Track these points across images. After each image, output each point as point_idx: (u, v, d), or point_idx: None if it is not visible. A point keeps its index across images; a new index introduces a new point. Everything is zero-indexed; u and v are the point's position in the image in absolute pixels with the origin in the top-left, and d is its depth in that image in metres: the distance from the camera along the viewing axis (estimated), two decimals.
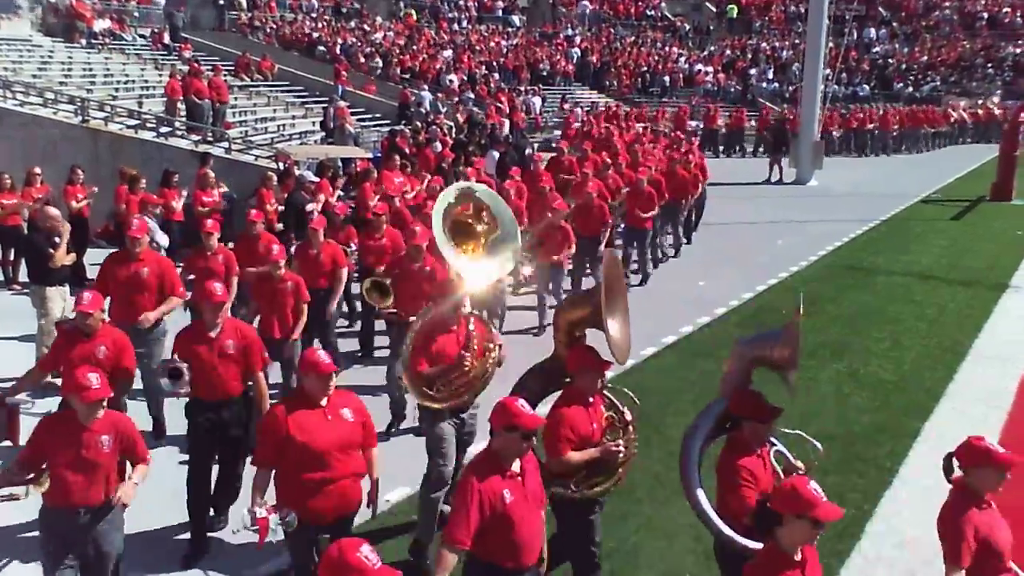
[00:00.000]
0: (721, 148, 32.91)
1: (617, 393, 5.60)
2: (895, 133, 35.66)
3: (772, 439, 5.02)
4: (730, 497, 4.69)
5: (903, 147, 35.97)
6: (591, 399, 5.28)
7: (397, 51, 33.43)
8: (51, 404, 6.70)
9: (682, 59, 41.14)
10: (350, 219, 12.40)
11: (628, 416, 5.44)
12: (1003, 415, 8.88)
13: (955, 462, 4.50)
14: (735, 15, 46.48)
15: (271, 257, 8.36)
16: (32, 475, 4.98)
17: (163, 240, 11.55)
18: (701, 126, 33.06)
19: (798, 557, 3.87)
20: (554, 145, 18.31)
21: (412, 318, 6.73)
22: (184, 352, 6.29)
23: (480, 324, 6.37)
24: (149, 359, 7.77)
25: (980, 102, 40.48)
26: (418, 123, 24.37)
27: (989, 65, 43.33)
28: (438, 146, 19.89)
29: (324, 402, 5.00)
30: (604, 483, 5.23)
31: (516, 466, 4.31)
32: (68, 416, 4.91)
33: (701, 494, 4.84)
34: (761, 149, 31.15)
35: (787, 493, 3.84)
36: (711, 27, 45.56)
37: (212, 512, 6.60)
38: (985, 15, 46.48)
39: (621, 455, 5.23)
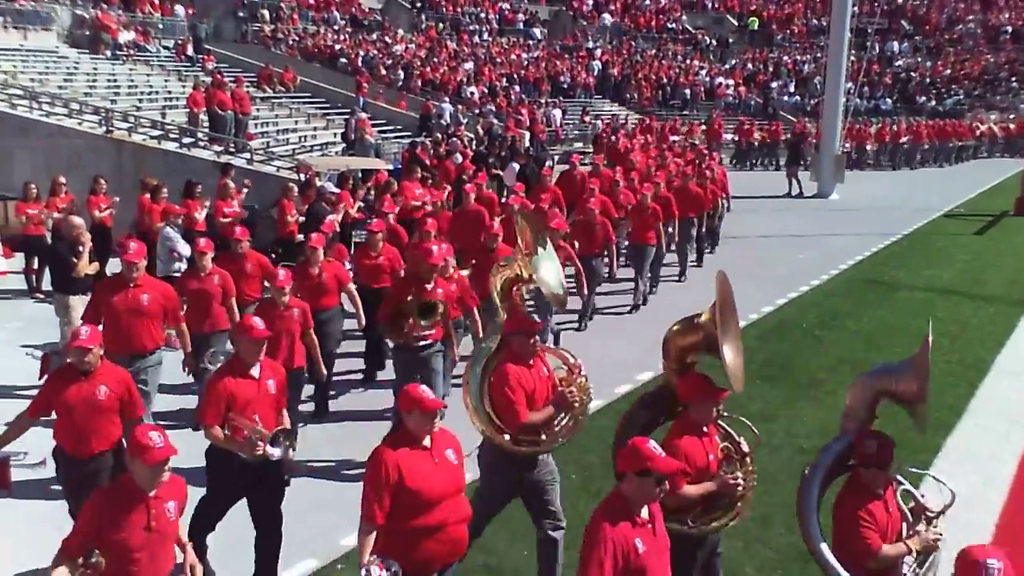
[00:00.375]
0: (756, 161, 33.03)
1: (734, 423, 5.38)
2: (926, 146, 35.71)
3: (898, 477, 4.87)
4: (850, 539, 4.60)
5: (931, 160, 35.97)
6: (705, 429, 5.08)
7: (418, 63, 33.61)
8: (45, 448, 6.18)
9: (703, 72, 41.11)
10: (338, 235, 12.50)
11: (745, 447, 5.21)
12: None
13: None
14: (756, 27, 46.43)
15: (276, 283, 7.87)
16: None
17: (185, 250, 11.60)
18: (735, 139, 33.16)
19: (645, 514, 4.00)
20: (574, 159, 18.19)
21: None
22: (228, 398, 5.65)
23: (551, 350, 6.07)
24: (147, 387, 7.39)
25: (1012, 116, 40.32)
26: (439, 135, 24.46)
27: (1013, 79, 43.06)
28: (458, 158, 19.94)
29: (428, 442, 4.55)
30: (722, 518, 5.03)
31: (645, 512, 4.07)
32: (126, 486, 4.28)
33: (825, 548, 4.71)
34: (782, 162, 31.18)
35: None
36: (732, 40, 45.47)
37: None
38: (1009, 28, 46.22)
39: (740, 488, 5.00)
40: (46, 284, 12.36)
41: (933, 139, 36.11)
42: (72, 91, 21.57)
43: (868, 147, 33.91)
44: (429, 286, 7.70)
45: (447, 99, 29.43)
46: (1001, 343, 11.83)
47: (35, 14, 25.14)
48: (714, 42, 45.26)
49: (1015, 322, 12.87)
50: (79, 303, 9.68)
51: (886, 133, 35.06)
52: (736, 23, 46.47)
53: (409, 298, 7.54)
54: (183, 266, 11.86)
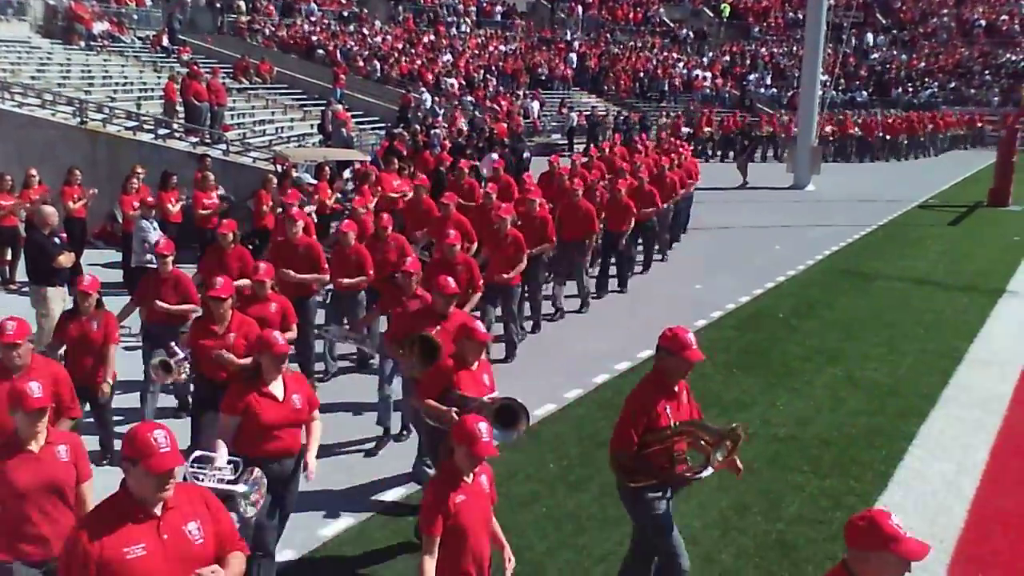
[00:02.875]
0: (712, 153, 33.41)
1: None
2: (921, 138, 37.05)
3: None
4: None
5: (915, 151, 36.90)
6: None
7: (396, 55, 33.48)
8: None
9: (680, 64, 41.22)
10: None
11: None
12: (999, 420, 8.88)
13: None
14: (728, 14, 46.61)
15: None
16: None
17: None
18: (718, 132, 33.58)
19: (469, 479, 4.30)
20: (553, 159, 17.96)
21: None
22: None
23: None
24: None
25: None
26: (416, 126, 24.41)
27: (987, 72, 43.46)
28: (437, 149, 19.91)
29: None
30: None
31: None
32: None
33: None
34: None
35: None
36: (709, 32, 45.59)
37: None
38: (983, 22, 46.67)
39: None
40: (19, 275, 12.23)
41: (923, 130, 36.88)
42: (45, 82, 21.34)
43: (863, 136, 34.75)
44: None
45: (424, 90, 29.31)
46: (975, 332, 11.94)
47: (7, 3, 24.83)
48: (691, 34, 45.38)
49: (988, 312, 13.00)
50: (56, 294, 9.63)
51: (874, 125, 35.66)
52: (713, 16, 46.58)
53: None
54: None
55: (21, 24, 24.80)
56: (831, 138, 33.93)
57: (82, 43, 25.13)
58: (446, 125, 25.56)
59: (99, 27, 26.15)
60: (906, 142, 36.27)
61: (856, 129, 35.11)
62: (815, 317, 12.59)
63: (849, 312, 12.91)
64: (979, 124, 39.92)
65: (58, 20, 25.64)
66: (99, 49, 25.28)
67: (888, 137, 35.61)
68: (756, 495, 7.16)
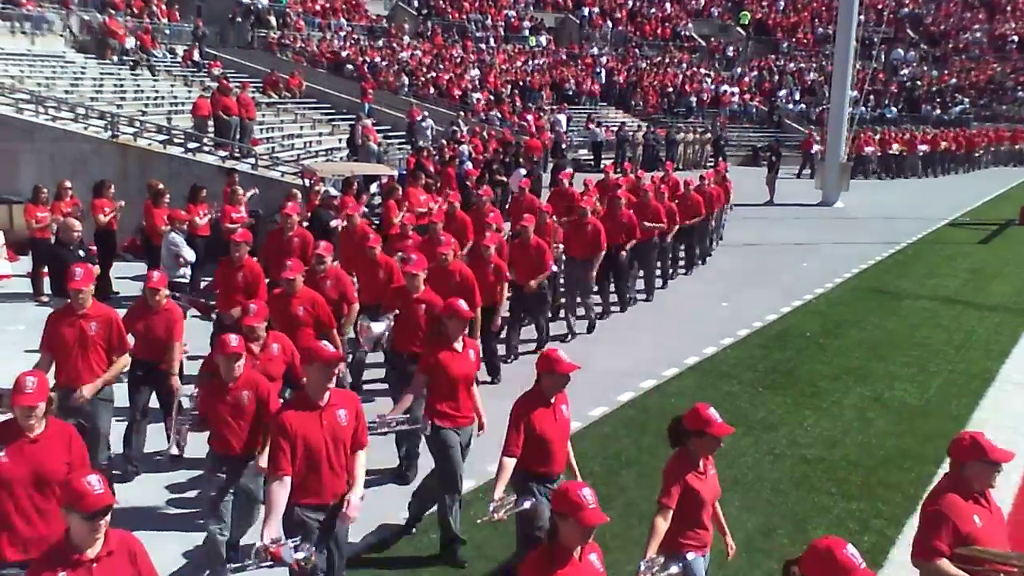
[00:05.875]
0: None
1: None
2: (977, 153, 37.84)
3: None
4: None
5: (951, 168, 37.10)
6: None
7: (424, 70, 33.65)
8: None
9: (708, 79, 41.13)
10: None
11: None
12: None
13: None
14: (747, 22, 46.50)
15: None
16: None
17: (190, 256, 11.62)
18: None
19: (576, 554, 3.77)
20: (563, 176, 17.71)
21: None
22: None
23: None
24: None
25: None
26: (444, 141, 24.50)
27: (1019, 88, 43.00)
28: (468, 164, 19.97)
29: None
30: None
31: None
32: None
33: None
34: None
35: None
36: (739, 48, 45.40)
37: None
38: (1016, 38, 46.14)
39: None
40: (48, 288, 12.35)
41: (960, 147, 37.17)
42: (78, 96, 21.63)
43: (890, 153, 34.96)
44: (458, 346, 6.56)
45: (427, 114, 28.77)
46: (1006, 353, 11.78)
47: (42, 19, 25.22)
48: (720, 50, 45.25)
49: (1020, 332, 12.81)
50: None
51: (924, 140, 35.83)
52: (743, 32, 46.45)
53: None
54: (188, 271, 11.89)
55: (55, 39, 25.17)
56: (874, 155, 34.12)
57: (115, 58, 25.46)
58: (468, 139, 25.58)
59: (132, 42, 26.48)
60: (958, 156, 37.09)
61: (896, 146, 35.05)
62: (843, 336, 12.48)
63: (878, 331, 12.78)
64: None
65: (92, 35, 26.00)
66: (131, 64, 25.60)
67: (934, 152, 35.95)
68: (782, 517, 7.08)
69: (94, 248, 12.38)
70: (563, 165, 22.48)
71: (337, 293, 8.75)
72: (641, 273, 14.27)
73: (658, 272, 14.93)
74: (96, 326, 6.83)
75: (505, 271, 10.15)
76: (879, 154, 34.79)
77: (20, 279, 14.05)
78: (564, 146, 29.25)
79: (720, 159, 29.46)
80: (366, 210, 15.26)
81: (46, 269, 13.38)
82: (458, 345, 6.45)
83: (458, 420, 6.43)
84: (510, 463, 5.38)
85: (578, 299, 12.31)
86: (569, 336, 12.10)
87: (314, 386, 5.13)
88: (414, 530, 6.87)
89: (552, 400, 5.53)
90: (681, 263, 16.40)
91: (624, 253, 12.94)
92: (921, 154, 35.70)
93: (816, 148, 31.94)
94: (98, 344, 6.85)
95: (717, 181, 17.95)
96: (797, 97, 40.49)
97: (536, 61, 39.69)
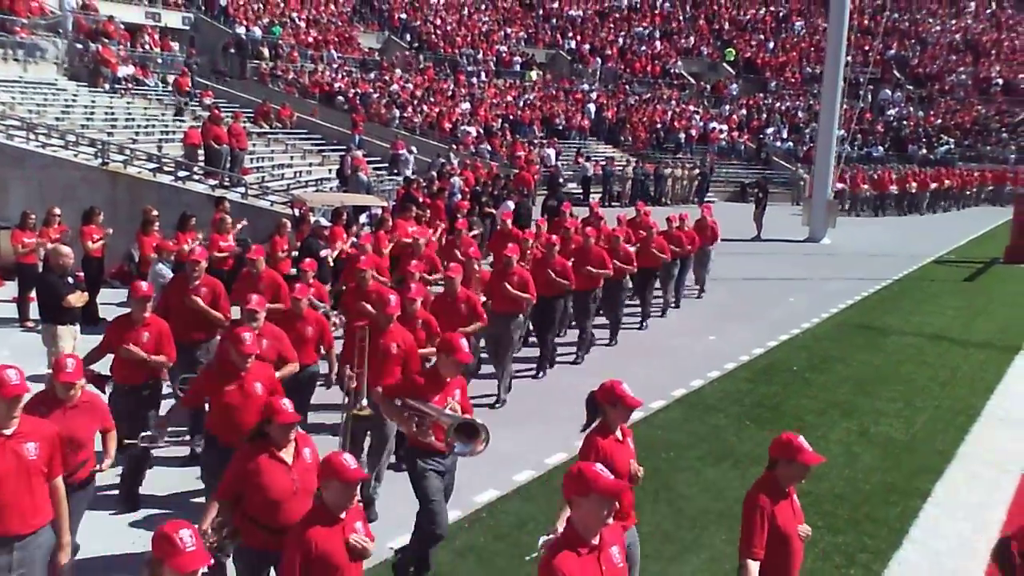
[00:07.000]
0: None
1: None
2: (969, 192, 38.97)
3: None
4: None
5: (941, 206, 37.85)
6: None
7: (415, 103, 33.89)
8: None
9: (697, 116, 41.53)
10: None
11: None
12: (1015, 478, 8.76)
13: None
14: (733, 58, 47.08)
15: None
16: None
17: None
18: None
19: (596, 541, 3.80)
20: (565, 207, 17.76)
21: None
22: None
23: None
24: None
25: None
26: (434, 174, 24.62)
27: (1003, 129, 43.55)
28: (457, 196, 20.05)
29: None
30: None
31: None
32: None
33: None
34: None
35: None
36: (728, 86, 45.86)
37: None
38: (1000, 81, 46.82)
39: None
40: (34, 313, 12.29)
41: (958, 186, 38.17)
42: (69, 123, 21.67)
43: (892, 190, 35.60)
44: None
45: (413, 148, 29.04)
46: (991, 389, 11.82)
47: (35, 47, 25.31)
48: (709, 88, 45.73)
49: (1005, 369, 12.87)
50: (67, 333, 9.69)
51: (909, 178, 36.45)
52: (731, 70, 46.96)
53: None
54: None
55: (48, 66, 25.26)
56: (867, 194, 34.82)
57: (107, 86, 25.55)
58: (459, 172, 25.75)
59: (124, 71, 26.59)
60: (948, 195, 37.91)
61: (894, 186, 35.62)
62: (829, 371, 12.51)
63: (864, 367, 12.81)
64: (1008, 181, 40.11)
65: (85, 63, 26.10)
66: (123, 92, 25.68)
67: (924, 191, 36.51)
68: None
69: (82, 275, 12.34)
70: (561, 198, 22.53)
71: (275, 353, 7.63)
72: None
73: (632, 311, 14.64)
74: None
75: (434, 324, 8.79)
76: (874, 193, 35.26)
77: (6, 304, 13.98)
78: (561, 180, 29.42)
79: (700, 201, 29.65)
80: (355, 240, 15.26)
81: (33, 295, 13.39)
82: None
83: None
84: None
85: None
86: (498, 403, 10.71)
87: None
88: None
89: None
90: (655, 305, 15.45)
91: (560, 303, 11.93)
92: (930, 191, 36.64)
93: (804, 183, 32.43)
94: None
95: (697, 224, 16.73)
96: (784, 135, 40.91)
97: (527, 96, 40.03)
